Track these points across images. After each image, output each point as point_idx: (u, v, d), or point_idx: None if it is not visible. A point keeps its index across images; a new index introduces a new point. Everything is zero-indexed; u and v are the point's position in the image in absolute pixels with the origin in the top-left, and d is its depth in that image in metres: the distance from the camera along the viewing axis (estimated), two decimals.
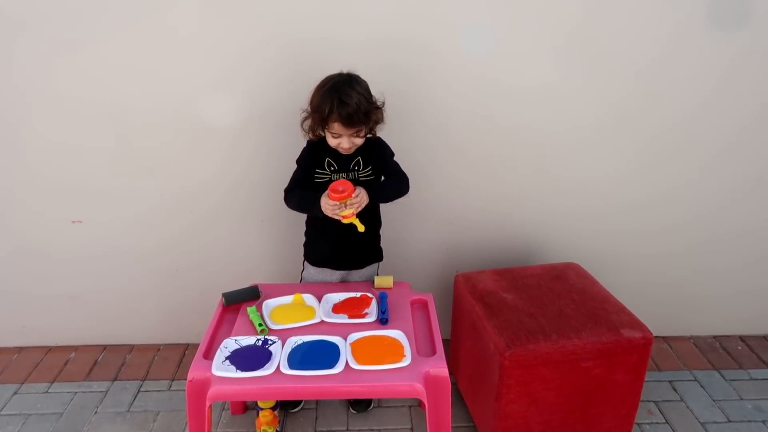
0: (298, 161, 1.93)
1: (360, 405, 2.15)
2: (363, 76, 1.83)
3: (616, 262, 2.43)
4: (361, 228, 1.80)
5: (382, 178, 1.97)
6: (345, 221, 1.78)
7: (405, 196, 1.97)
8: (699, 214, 2.38)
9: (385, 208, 2.07)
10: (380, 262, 2.11)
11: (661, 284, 2.49)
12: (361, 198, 1.79)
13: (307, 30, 2.03)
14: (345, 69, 1.82)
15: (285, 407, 2.14)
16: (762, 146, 2.29)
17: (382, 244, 2.10)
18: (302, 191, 1.90)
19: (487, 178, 2.29)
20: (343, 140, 1.79)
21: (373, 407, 2.16)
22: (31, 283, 2.39)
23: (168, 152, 2.20)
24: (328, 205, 1.78)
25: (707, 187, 2.34)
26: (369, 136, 1.89)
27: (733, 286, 2.51)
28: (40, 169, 2.21)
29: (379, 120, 1.85)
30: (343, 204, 1.75)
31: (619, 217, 2.38)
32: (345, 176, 1.88)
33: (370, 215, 1.93)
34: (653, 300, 2.48)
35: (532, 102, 2.18)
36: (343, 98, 1.71)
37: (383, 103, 1.85)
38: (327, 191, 1.77)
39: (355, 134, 1.78)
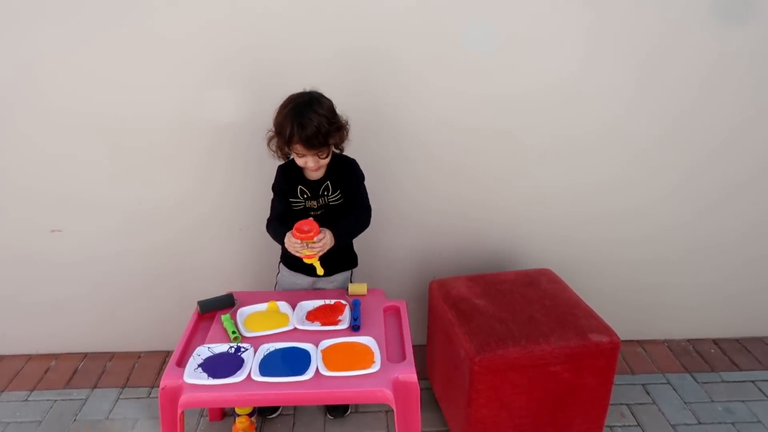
0: (273, 189, 1.97)
1: (337, 411, 2.17)
2: (333, 89, 1.86)
3: (592, 268, 2.47)
4: (320, 271, 1.86)
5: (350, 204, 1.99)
6: (306, 261, 1.83)
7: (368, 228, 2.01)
8: (673, 223, 2.43)
9: None
10: (354, 269, 2.14)
11: (636, 289, 2.53)
12: (324, 242, 1.81)
13: (281, 40, 2.07)
14: (309, 86, 1.85)
15: (263, 413, 2.16)
16: (733, 161, 2.34)
17: (358, 250, 2.13)
18: (277, 224, 1.93)
19: (462, 186, 2.33)
20: (308, 159, 1.82)
21: (350, 413, 2.19)
22: (12, 291, 2.40)
23: (147, 162, 2.23)
24: (290, 242, 1.81)
25: (681, 198, 2.39)
26: (337, 151, 1.92)
27: (707, 291, 2.55)
28: (20, 178, 2.23)
29: (344, 139, 1.88)
30: (305, 244, 1.79)
31: (594, 225, 2.42)
32: (316, 203, 1.92)
33: None
34: (628, 305, 2.53)
35: (508, 111, 2.21)
36: (302, 121, 1.74)
37: (347, 122, 1.87)
38: (292, 229, 1.80)
39: (317, 155, 1.81)
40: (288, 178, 1.94)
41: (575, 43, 2.13)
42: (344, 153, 1.98)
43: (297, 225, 1.79)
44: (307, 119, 1.74)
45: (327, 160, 1.86)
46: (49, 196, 2.26)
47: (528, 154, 2.30)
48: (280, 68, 2.08)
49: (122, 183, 2.25)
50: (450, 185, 2.33)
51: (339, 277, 2.09)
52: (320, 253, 1.82)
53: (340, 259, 2.06)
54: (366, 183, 2.01)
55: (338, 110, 1.85)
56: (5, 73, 2.07)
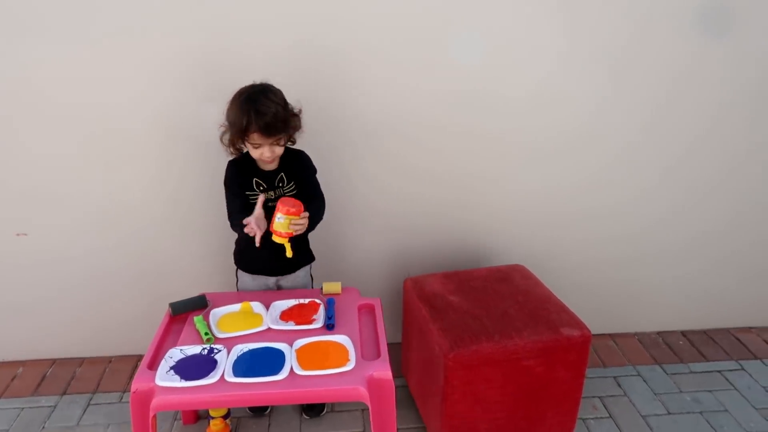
0: (226, 184, 1.94)
1: (313, 410, 2.16)
2: (291, 86, 1.86)
3: (564, 264, 2.51)
4: (289, 253, 1.83)
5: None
6: (276, 239, 1.79)
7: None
8: (644, 222, 2.48)
9: (335, 215, 2.12)
10: (313, 263, 2.14)
11: (607, 284, 2.58)
12: (304, 223, 1.80)
13: (227, 40, 2.05)
14: (259, 80, 1.84)
15: (256, 412, 2.17)
16: (703, 161, 2.40)
17: (333, 248, 2.12)
18: (244, 216, 1.86)
19: (436, 184, 2.34)
20: (264, 150, 1.81)
21: (326, 412, 2.18)
22: None
23: (116, 162, 2.19)
24: (259, 221, 1.77)
25: (653, 197, 2.44)
26: (289, 144, 1.92)
27: (676, 285, 2.61)
28: None
29: (297, 127, 1.88)
30: (288, 222, 1.75)
31: (567, 223, 2.46)
32: (273, 194, 1.92)
33: None
34: (600, 300, 2.58)
35: (485, 111, 2.23)
36: (260, 108, 1.74)
37: (300, 111, 1.88)
38: (277, 204, 1.77)
39: (275, 143, 1.81)
40: (242, 172, 1.92)
41: (551, 46, 2.16)
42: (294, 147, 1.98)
43: (283, 200, 1.77)
44: (264, 107, 1.74)
45: (282, 150, 1.85)
46: (14, 196, 2.20)
47: (503, 154, 2.32)
48: (241, 64, 2.05)
49: (91, 182, 2.21)
50: (423, 183, 2.34)
51: (301, 273, 2.09)
52: (298, 232, 1.80)
53: (300, 255, 2.04)
54: (338, 181, 2.01)
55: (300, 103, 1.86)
56: None
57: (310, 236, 2.05)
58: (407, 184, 2.33)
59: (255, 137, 1.78)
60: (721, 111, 2.33)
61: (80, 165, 2.18)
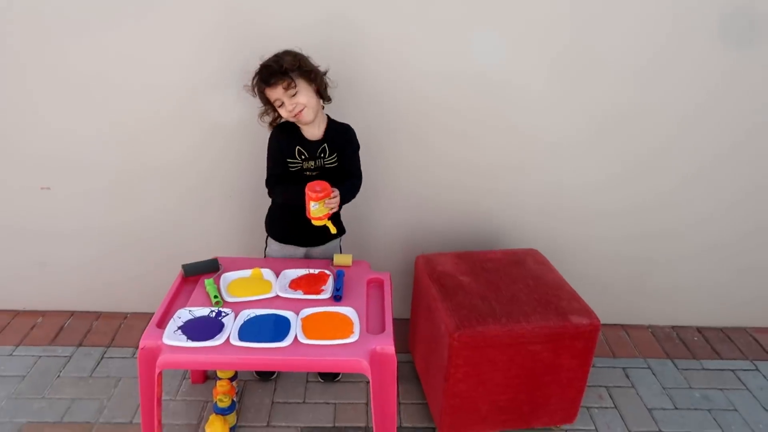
0: (269, 152, 1.95)
1: (327, 375, 2.21)
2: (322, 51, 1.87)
3: (579, 252, 2.47)
4: (333, 230, 1.87)
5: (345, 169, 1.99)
6: (317, 223, 1.82)
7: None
8: (663, 215, 2.42)
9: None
10: (343, 236, 2.14)
11: (623, 274, 2.53)
12: (338, 199, 1.82)
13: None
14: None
15: (263, 376, 2.21)
16: (723, 149, 2.33)
17: (346, 221, 2.12)
18: (283, 187, 1.92)
19: (456, 169, 2.32)
20: (285, 104, 1.82)
21: (339, 379, 2.22)
22: (0, 248, 2.40)
23: (139, 126, 2.21)
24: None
25: (673, 191, 2.38)
26: (327, 108, 1.93)
27: (694, 280, 2.55)
28: (11, 138, 2.21)
29: (316, 79, 1.84)
30: (321, 204, 1.78)
31: (585, 214, 2.42)
32: (313, 163, 1.92)
33: None
34: (614, 289, 2.54)
35: (511, 103, 2.21)
36: (279, 57, 1.79)
37: (326, 72, 1.88)
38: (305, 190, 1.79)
39: (288, 93, 1.80)
40: (285, 138, 1.92)
41: (580, 41, 2.11)
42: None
43: (309, 185, 1.78)
44: (282, 58, 1.78)
45: (304, 100, 1.82)
46: (39, 157, 2.25)
47: (527, 145, 2.29)
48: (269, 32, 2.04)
49: (113, 145, 2.23)
50: (443, 164, 2.31)
51: (330, 246, 2.10)
52: (334, 210, 1.83)
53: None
54: (364, 155, 2.01)
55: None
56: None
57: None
58: (432, 166, 2.31)
59: (268, 93, 1.81)
60: (751, 117, 2.25)
61: (103, 130, 2.21)
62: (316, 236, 2.03)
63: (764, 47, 2.14)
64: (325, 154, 1.93)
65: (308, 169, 1.93)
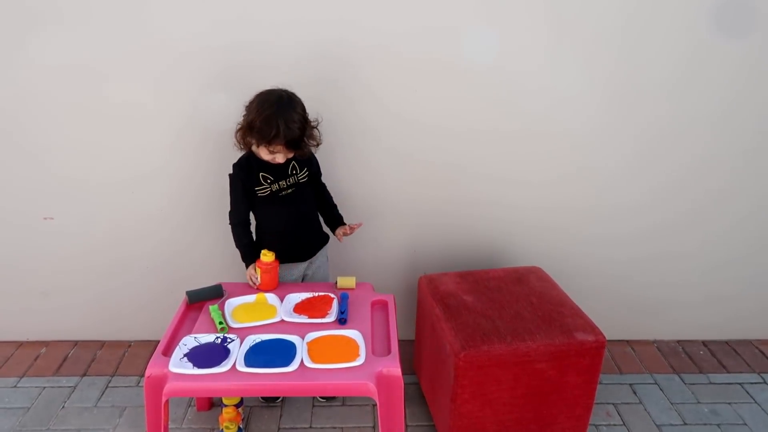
0: (231, 189, 1.99)
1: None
2: (318, 81, 1.90)
3: (582, 267, 2.47)
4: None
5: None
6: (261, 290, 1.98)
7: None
8: (664, 225, 2.43)
9: (354, 211, 2.15)
10: (327, 245, 2.19)
11: (626, 290, 2.53)
12: (360, 223, 2.09)
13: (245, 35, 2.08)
14: (279, 84, 1.87)
15: (268, 400, 2.21)
16: (726, 163, 2.35)
17: (348, 244, 2.14)
18: (239, 239, 2.04)
19: (456, 184, 2.33)
20: (278, 156, 1.87)
21: (339, 403, 2.20)
22: (3, 278, 2.41)
23: (142, 152, 2.23)
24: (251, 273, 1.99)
25: (674, 200, 2.39)
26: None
27: (697, 293, 2.55)
28: (12, 166, 2.23)
29: (315, 138, 1.93)
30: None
31: (586, 225, 2.42)
32: (285, 183, 1.97)
33: (309, 200, 2.08)
34: (618, 305, 2.54)
35: (507, 113, 2.23)
36: (288, 125, 1.79)
37: (318, 123, 1.94)
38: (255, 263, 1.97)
39: (287, 153, 1.88)
40: (246, 172, 1.96)
41: (575, 49, 2.14)
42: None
43: (258, 263, 1.96)
44: (292, 122, 1.80)
45: (295, 153, 1.92)
46: (41, 184, 2.26)
47: (523, 157, 2.30)
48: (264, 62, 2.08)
49: (116, 172, 2.26)
50: (443, 183, 2.33)
51: (320, 255, 2.15)
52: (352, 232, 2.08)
53: (316, 240, 2.13)
54: (359, 176, 2.05)
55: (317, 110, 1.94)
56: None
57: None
58: (427, 183, 2.32)
59: (278, 147, 1.83)
60: (754, 114, 2.27)
61: (105, 155, 2.23)
62: (307, 248, 2.11)
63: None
64: (296, 171, 1.99)
65: (282, 189, 1.97)
